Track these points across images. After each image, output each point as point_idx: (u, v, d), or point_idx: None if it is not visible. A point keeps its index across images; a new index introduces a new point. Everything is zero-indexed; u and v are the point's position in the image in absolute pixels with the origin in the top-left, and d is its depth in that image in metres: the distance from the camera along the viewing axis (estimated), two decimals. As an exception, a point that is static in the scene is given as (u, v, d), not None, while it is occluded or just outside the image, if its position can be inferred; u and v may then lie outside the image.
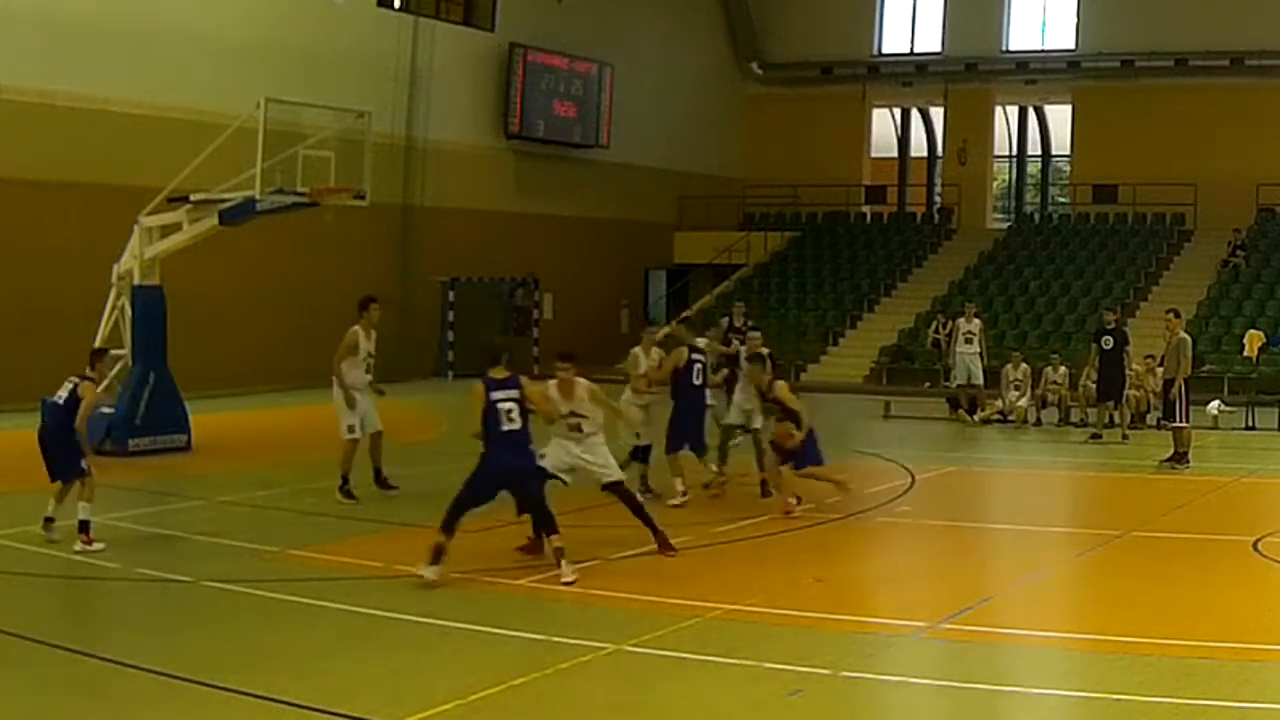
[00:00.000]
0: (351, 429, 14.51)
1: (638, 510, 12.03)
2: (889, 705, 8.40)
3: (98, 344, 18.65)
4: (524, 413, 11.01)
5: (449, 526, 10.82)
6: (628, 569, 11.48)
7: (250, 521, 13.58)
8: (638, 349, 15.27)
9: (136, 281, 18.56)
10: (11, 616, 9.58)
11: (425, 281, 30.45)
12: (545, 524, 11.17)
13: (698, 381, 15.14)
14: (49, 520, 12.30)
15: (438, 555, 10.68)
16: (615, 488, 11.98)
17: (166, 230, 18.63)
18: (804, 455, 14.28)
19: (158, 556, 12.11)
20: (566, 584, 10.71)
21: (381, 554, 11.86)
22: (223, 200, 18.09)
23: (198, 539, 12.68)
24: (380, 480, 14.86)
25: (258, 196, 17.70)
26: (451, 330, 31.17)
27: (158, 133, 24.10)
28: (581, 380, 11.81)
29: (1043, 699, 8.21)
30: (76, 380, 12.60)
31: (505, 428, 10.87)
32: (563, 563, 10.90)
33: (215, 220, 18.13)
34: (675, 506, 14.25)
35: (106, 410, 18.29)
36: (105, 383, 18.51)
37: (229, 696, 7.89)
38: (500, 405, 10.87)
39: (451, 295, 31.30)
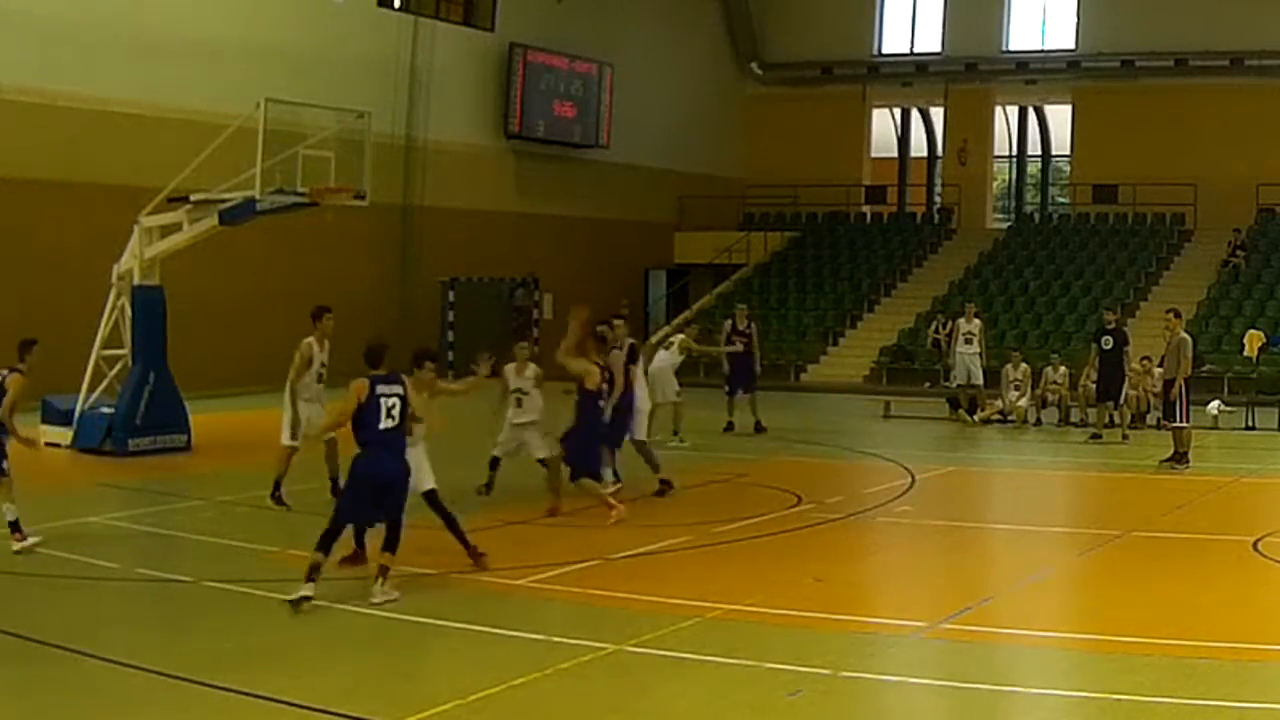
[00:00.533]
0: (294, 436, 14.12)
1: (449, 522, 11.37)
2: (889, 705, 8.40)
3: (98, 344, 18.72)
4: (404, 412, 10.36)
5: (325, 546, 10.08)
6: (628, 569, 11.49)
7: (250, 521, 13.57)
8: (509, 366, 14.63)
9: (136, 281, 18.54)
10: (11, 616, 9.58)
11: (425, 281, 30.44)
12: (395, 540, 10.35)
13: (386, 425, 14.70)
14: (13, 524, 11.84)
15: (313, 573, 9.93)
16: (429, 496, 11.32)
17: (166, 230, 18.62)
18: (578, 463, 13.68)
19: (158, 556, 12.13)
20: (375, 603, 10.01)
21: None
22: (223, 200, 18.08)
23: (198, 539, 12.68)
24: (336, 489, 13.94)
25: (258, 196, 17.69)
26: (451, 330, 31.16)
27: (158, 133, 24.11)
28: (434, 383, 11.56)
29: (1043, 699, 8.21)
30: (5, 373, 12.09)
31: (383, 425, 10.23)
32: (382, 582, 10.18)
33: (215, 220, 18.12)
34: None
35: (106, 410, 18.31)
36: (106, 383, 18.63)
37: (229, 696, 7.89)
38: (384, 399, 10.23)
39: (451, 295, 31.29)
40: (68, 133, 23.58)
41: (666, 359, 20.03)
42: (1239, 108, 34.12)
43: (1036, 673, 8.85)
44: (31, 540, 11.76)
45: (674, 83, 37.49)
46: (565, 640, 9.04)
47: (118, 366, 18.64)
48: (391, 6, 30.42)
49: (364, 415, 10.23)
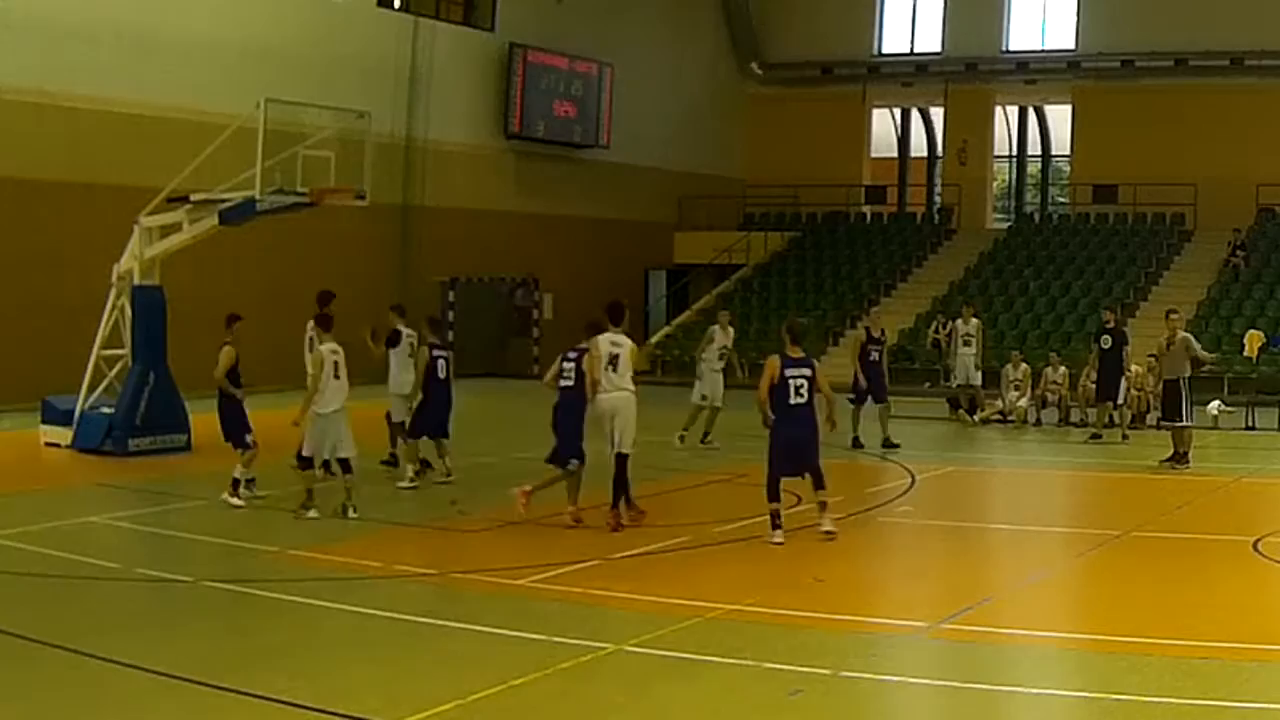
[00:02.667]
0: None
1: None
2: (889, 705, 8.40)
3: (98, 344, 18.74)
4: (811, 391, 12.49)
5: (775, 495, 12.60)
6: (628, 569, 11.48)
7: (250, 521, 13.57)
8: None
9: (136, 281, 18.55)
10: (11, 616, 9.58)
11: (425, 281, 30.43)
12: (820, 481, 12.72)
13: (441, 376, 15.64)
14: None
15: (776, 518, 12.49)
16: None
17: (166, 230, 18.63)
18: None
19: (158, 556, 12.12)
20: (826, 530, 12.46)
21: (381, 554, 11.87)
22: (223, 200, 18.08)
23: (198, 539, 12.68)
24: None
25: (258, 196, 17.69)
26: (451, 330, 31.13)
27: (158, 133, 24.10)
28: None
29: (1043, 699, 8.21)
30: None
31: (792, 401, 12.41)
32: (829, 517, 12.57)
33: (215, 220, 18.13)
34: (403, 488, 15.14)
35: (106, 410, 18.30)
36: (106, 383, 18.64)
37: (229, 696, 7.89)
38: (792, 380, 12.37)
39: (451, 295, 31.29)
40: (68, 133, 23.58)
41: (711, 360, 19.74)
42: (1239, 108, 34.12)
43: (1036, 673, 8.85)
44: None
45: (674, 83, 37.49)
46: (565, 640, 9.03)
47: (118, 366, 18.64)
48: (391, 6, 30.42)
49: (776, 391, 12.34)
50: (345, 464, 13.72)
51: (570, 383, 13.25)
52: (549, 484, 13.32)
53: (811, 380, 12.49)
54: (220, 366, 14.30)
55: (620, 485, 13.18)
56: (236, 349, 14.46)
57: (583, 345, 13.35)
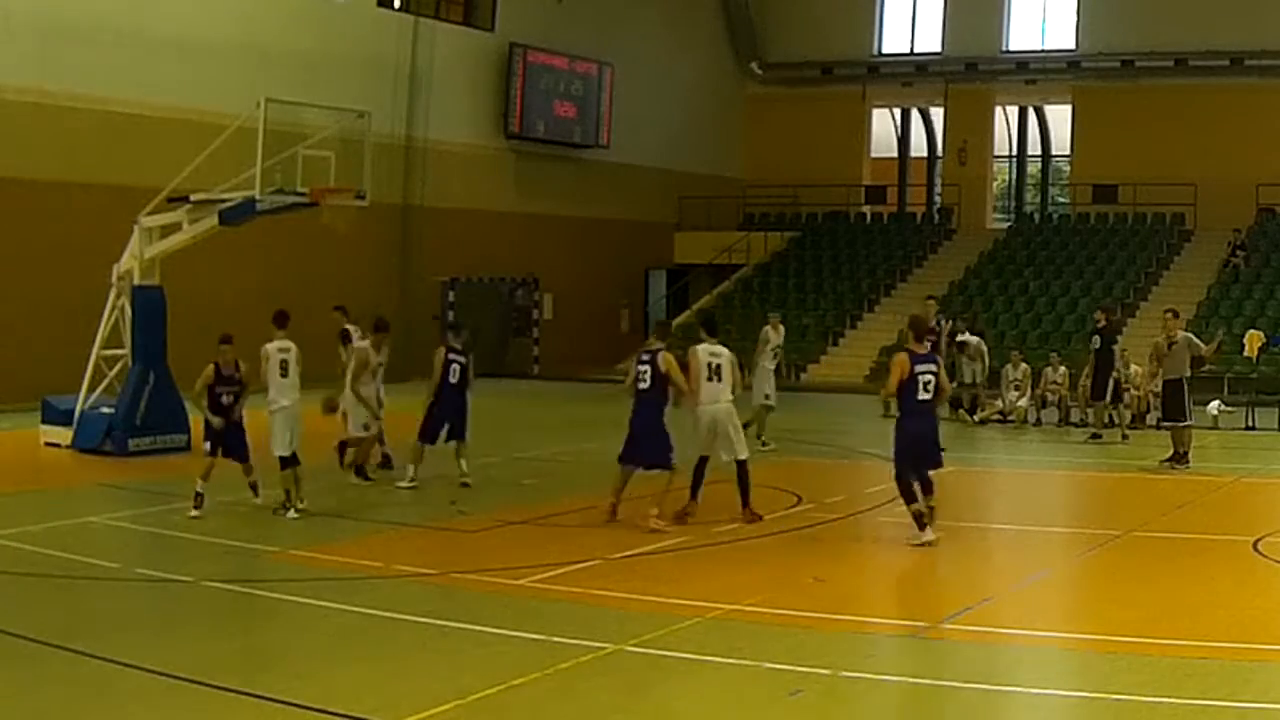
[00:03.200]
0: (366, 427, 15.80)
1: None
2: (889, 705, 8.40)
3: (98, 344, 18.75)
4: (937, 387, 12.50)
5: (910, 495, 12.41)
6: (628, 569, 11.49)
7: (250, 521, 13.57)
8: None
9: (136, 281, 18.55)
10: (11, 616, 9.58)
11: (425, 281, 30.44)
12: (929, 486, 12.52)
13: (454, 380, 15.65)
14: None
15: (920, 519, 12.28)
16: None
17: (166, 230, 18.63)
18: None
19: (158, 556, 12.12)
20: (925, 541, 12.14)
21: (381, 554, 11.88)
22: (223, 200, 18.09)
23: (198, 539, 12.67)
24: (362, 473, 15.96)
25: (258, 196, 17.70)
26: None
27: (158, 133, 24.09)
28: None
29: (1043, 699, 8.21)
30: None
31: (920, 397, 12.42)
32: (932, 523, 12.27)
33: (215, 220, 18.13)
34: (403, 488, 15.24)
35: (106, 410, 18.30)
36: (106, 383, 18.64)
37: (229, 697, 7.89)
38: (921, 376, 12.28)
39: (451, 295, 31.29)
40: (68, 133, 23.57)
41: (765, 360, 19.66)
42: (1239, 108, 34.10)
43: (1036, 673, 8.85)
44: None
45: (674, 83, 37.48)
46: (565, 640, 9.04)
47: (118, 366, 18.64)
48: (391, 6, 30.41)
49: (905, 387, 12.25)
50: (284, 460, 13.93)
51: (646, 385, 13.28)
52: (666, 493, 13.23)
53: (937, 375, 12.57)
54: (197, 384, 13.73)
55: (744, 487, 13.51)
56: (224, 366, 13.69)
57: (655, 346, 13.51)
